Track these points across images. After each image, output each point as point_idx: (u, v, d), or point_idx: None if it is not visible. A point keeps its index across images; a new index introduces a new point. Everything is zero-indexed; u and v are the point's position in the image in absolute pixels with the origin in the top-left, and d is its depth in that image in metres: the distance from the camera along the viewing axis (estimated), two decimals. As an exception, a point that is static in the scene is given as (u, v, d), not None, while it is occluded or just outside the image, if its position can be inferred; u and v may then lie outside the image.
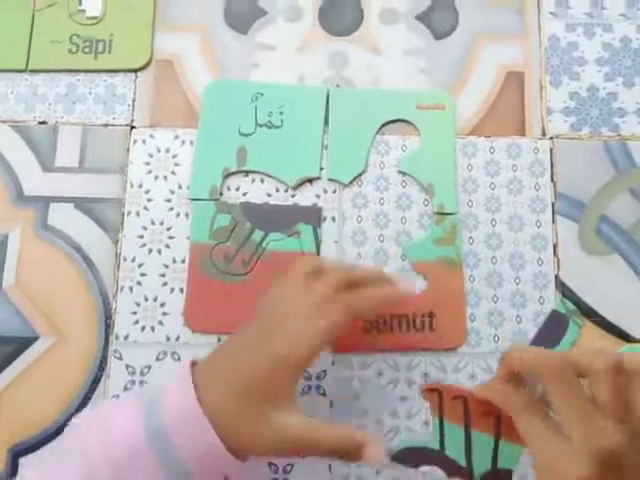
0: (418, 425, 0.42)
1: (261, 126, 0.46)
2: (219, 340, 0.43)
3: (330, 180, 0.45)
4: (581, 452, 0.29)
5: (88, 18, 0.48)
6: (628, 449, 0.30)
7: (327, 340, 0.35)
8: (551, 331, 0.42)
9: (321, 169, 0.45)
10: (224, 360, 0.36)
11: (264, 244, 0.44)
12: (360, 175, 0.45)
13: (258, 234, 0.44)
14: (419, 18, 0.48)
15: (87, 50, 0.48)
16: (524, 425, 0.32)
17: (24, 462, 0.41)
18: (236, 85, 0.47)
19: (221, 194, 0.45)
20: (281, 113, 0.46)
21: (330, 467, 0.41)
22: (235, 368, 0.34)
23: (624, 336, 0.43)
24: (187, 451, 0.33)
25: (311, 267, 0.38)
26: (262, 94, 0.47)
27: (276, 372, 0.34)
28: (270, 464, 0.41)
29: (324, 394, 0.42)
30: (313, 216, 0.45)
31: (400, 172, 0.45)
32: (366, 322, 0.43)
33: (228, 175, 0.45)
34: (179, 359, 0.43)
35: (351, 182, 0.45)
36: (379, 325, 0.43)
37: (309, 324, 0.35)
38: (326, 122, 0.46)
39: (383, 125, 0.46)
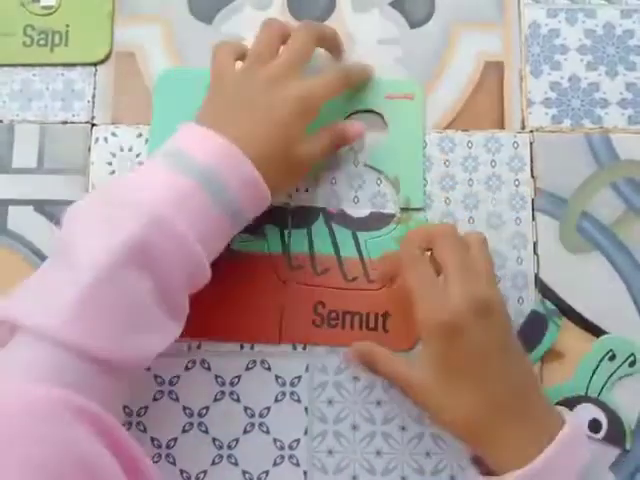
0: (395, 430, 0.41)
1: None
2: (189, 347, 0.42)
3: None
4: (454, 300, 0.34)
5: (43, 7, 0.45)
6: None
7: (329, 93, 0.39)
8: (530, 332, 0.41)
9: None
10: (231, 111, 0.37)
11: (230, 244, 0.42)
12: (324, 167, 0.43)
13: (224, 234, 0.42)
14: (393, 5, 0.46)
15: (42, 43, 0.45)
16: (413, 276, 0.36)
17: None
18: (190, 73, 0.45)
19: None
20: None
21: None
22: (249, 115, 0.37)
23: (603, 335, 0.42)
24: (234, 186, 0.35)
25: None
26: None
27: (296, 115, 0.37)
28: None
29: (298, 400, 0.41)
30: (280, 217, 0.43)
31: (367, 165, 0.43)
32: (317, 316, 0.42)
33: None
34: (148, 367, 0.41)
35: (316, 174, 0.43)
36: (330, 320, 0.42)
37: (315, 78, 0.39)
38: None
39: (350, 115, 0.44)
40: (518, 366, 0.36)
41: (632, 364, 0.41)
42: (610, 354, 0.41)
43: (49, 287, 0.32)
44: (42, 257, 0.43)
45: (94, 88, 0.45)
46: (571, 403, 0.41)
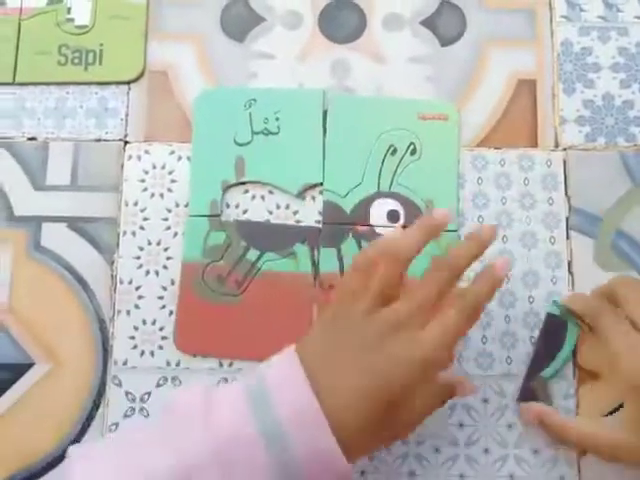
0: (429, 452, 0.40)
1: (257, 134, 0.44)
2: (220, 365, 0.41)
3: (327, 191, 0.43)
4: None
5: (77, 27, 0.46)
6: None
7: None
8: (551, 337, 0.40)
9: (324, 175, 0.43)
10: (337, 354, 0.32)
11: (259, 264, 0.42)
12: (356, 187, 0.43)
13: (253, 253, 0.42)
14: (424, 24, 0.46)
15: (77, 61, 0.45)
16: (606, 324, 0.36)
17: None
18: (228, 92, 0.45)
19: (220, 211, 0.43)
20: (277, 119, 0.44)
21: None
22: (356, 368, 0.32)
23: None
24: (300, 452, 0.30)
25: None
26: (255, 100, 0.44)
27: (414, 376, 0.32)
28: None
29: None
30: (311, 236, 0.43)
31: (400, 186, 0.43)
32: None
33: (227, 188, 0.44)
34: (180, 384, 0.41)
35: (347, 194, 0.43)
36: None
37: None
38: (324, 128, 0.44)
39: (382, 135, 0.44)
40: None
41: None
42: None
43: None
44: (74, 274, 0.43)
45: (127, 106, 0.45)
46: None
